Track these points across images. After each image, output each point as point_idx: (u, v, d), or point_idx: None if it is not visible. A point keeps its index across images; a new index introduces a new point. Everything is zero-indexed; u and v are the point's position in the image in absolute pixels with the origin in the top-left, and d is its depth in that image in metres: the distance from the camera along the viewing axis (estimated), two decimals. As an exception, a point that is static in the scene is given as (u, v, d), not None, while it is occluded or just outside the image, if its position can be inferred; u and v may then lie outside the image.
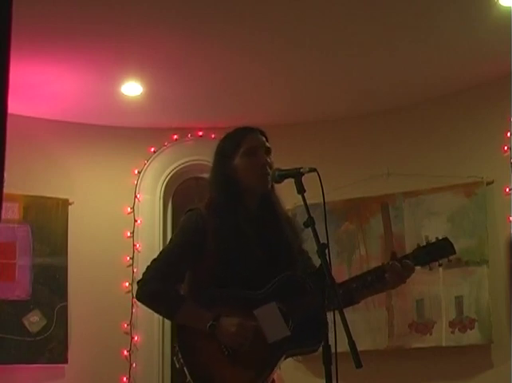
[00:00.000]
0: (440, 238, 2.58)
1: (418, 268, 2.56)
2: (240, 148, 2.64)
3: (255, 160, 2.62)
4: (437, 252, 2.56)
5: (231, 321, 2.46)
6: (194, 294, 2.58)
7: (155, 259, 2.62)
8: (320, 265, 2.22)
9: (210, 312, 2.49)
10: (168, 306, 2.57)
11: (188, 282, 2.64)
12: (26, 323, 5.10)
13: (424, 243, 2.58)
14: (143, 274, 2.60)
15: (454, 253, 2.56)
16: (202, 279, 2.59)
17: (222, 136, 2.77)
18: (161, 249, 2.81)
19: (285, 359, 2.55)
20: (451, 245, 2.56)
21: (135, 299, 2.41)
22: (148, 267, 2.60)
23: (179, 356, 2.49)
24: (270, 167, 2.60)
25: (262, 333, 2.47)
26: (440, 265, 2.60)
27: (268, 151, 2.67)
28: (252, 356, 2.48)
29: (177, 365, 2.51)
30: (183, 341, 2.51)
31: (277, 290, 2.54)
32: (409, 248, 4.02)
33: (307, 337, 2.49)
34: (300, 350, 2.58)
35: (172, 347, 2.61)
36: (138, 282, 2.60)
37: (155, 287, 2.55)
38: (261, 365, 2.49)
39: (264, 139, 2.70)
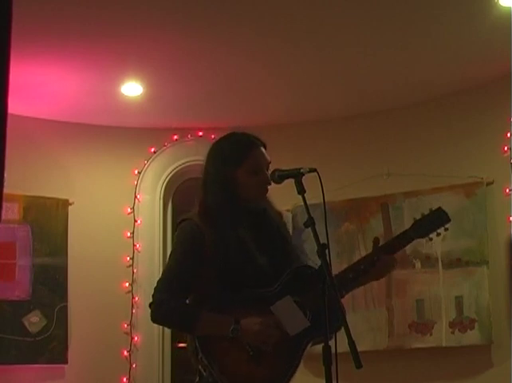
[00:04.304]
0: (433, 209, 2.70)
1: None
2: (243, 162, 2.60)
3: (259, 180, 2.61)
4: (434, 222, 2.68)
5: (253, 320, 2.48)
6: (202, 302, 2.57)
7: (160, 279, 2.62)
8: (321, 265, 2.22)
9: (227, 317, 2.50)
10: (186, 322, 2.56)
11: (193, 291, 2.64)
12: (26, 323, 5.10)
13: (419, 218, 2.68)
14: (153, 295, 2.59)
15: (450, 220, 2.68)
16: (206, 287, 2.58)
17: (223, 138, 2.71)
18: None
19: (311, 347, 2.56)
20: (446, 213, 2.69)
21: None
22: (156, 288, 2.59)
23: (205, 362, 2.47)
24: (269, 184, 2.60)
25: (283, 327, 2.49)
26: (438, 234, 2.71)
27: (268, 166, 2.65)
28: (277, 352, 2.51)
29: (204, 373, 2.49)
30: (205, 347, 2.49)
31: (287, 285, 2.56)
32: (409, 248, 4.04)
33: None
34: (322, 338, 2.59)
35: (196, 355, 2.56)
36: (150, 305, 2.59)
37: (168, 307, 2.54)
38: (288, 359, 2.51)
39: (265, 152, 2.67)
